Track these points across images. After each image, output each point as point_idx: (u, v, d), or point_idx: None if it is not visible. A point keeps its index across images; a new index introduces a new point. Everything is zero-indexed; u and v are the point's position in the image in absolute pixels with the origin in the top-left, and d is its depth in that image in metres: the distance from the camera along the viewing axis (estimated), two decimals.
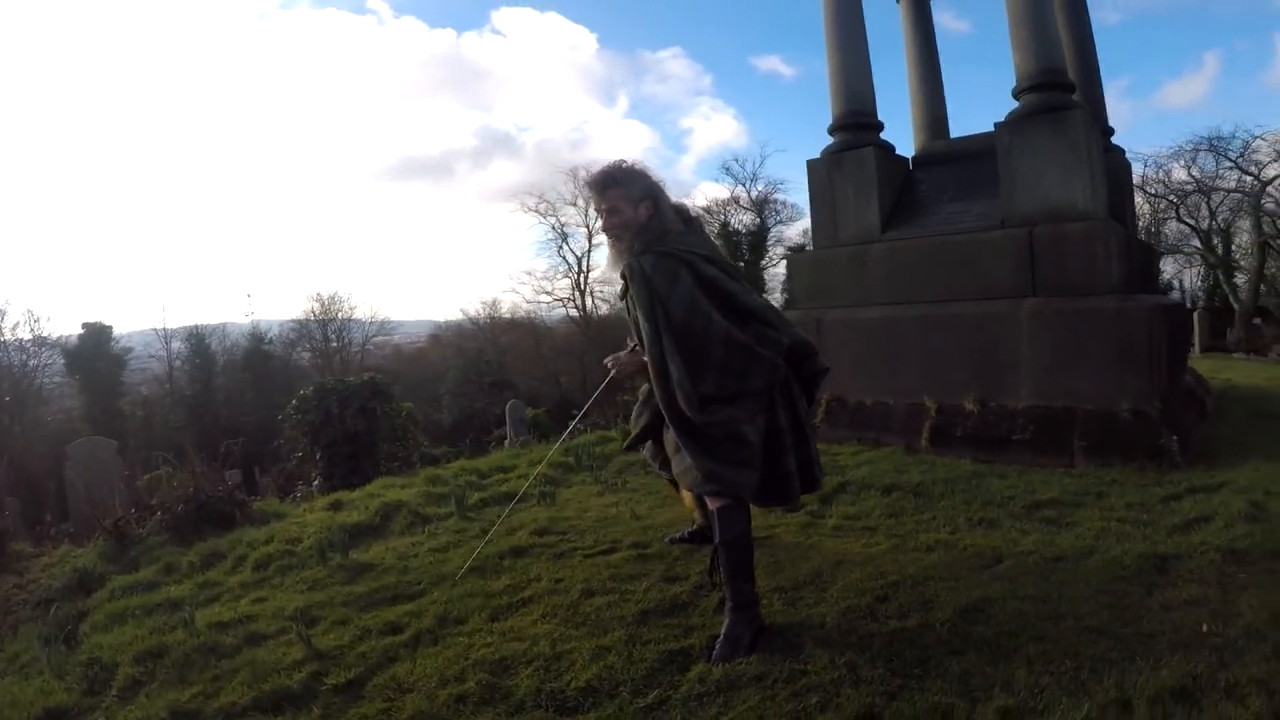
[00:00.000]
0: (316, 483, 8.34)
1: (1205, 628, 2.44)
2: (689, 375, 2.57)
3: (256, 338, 32.55)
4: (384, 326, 39.65)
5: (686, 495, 3.42)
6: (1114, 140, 8.11)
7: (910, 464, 5.47)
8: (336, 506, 5.40)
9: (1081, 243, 5.68)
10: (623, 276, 2.79)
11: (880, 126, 7.37)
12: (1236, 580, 2.82)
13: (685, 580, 3.25)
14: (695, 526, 3.76)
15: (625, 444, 3.47)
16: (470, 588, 3.45)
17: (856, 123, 7.21)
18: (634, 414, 3.25)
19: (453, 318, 41.48)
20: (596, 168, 2.96)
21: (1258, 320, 23.57)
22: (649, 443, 3.20)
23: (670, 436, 2.75)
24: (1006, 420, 5.69)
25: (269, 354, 32.78)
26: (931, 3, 9.00)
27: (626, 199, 2.80)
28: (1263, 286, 25.42)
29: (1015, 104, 6.18)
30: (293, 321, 37.00)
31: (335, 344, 37.45)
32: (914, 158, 8.07)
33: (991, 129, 6.28)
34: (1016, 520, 3.92)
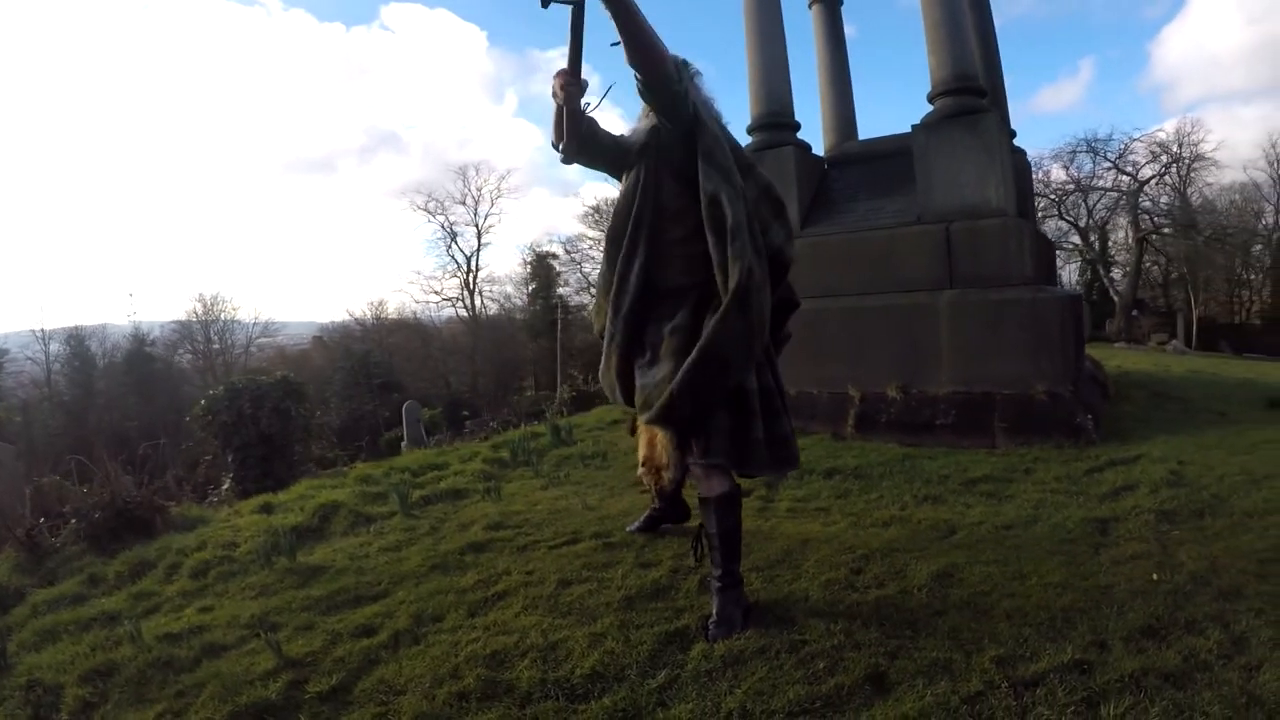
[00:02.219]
0: (226, 486, 7.92)
1: (1155, 576, 2.67)
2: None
3: (138, 339, 30.77)
4: (268, 328, 38.75)
5: (662, 451, 2.81)
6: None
7: (841, 449, 5.67)
8: (268, 509, 5.15)
9: (996, 238, 6.05)
10: (681, 120, 2.56)
11: (798, 126, 7.61)
12: (1171, 536, 3.09)
13: (659, 565, 3.27)
14: (651, 512, 3.79)
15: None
16: (437, 585, 3.36)
17: (776, 122, 7.42)
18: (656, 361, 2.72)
19: (338, 319, 40.86)
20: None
21: (1135, 312, 25.61)
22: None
23: (663, 377, 2.57)
24: (929, 406, 5.98)
25: (151, 356, 31.01)
26: (842, 9, 9.38)
27: None
28: (1140, 279, 27.72)
29: (920, 106, 6.54)
30: (174, 322, 35.51)
31: (218, 346, 36.32)
32: (829, 157, 8.37)
33: (897, 131, 6.62)
34: (959, 495, 4.15)
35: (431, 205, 36.53)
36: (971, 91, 6.24)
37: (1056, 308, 5.71)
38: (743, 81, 7.62)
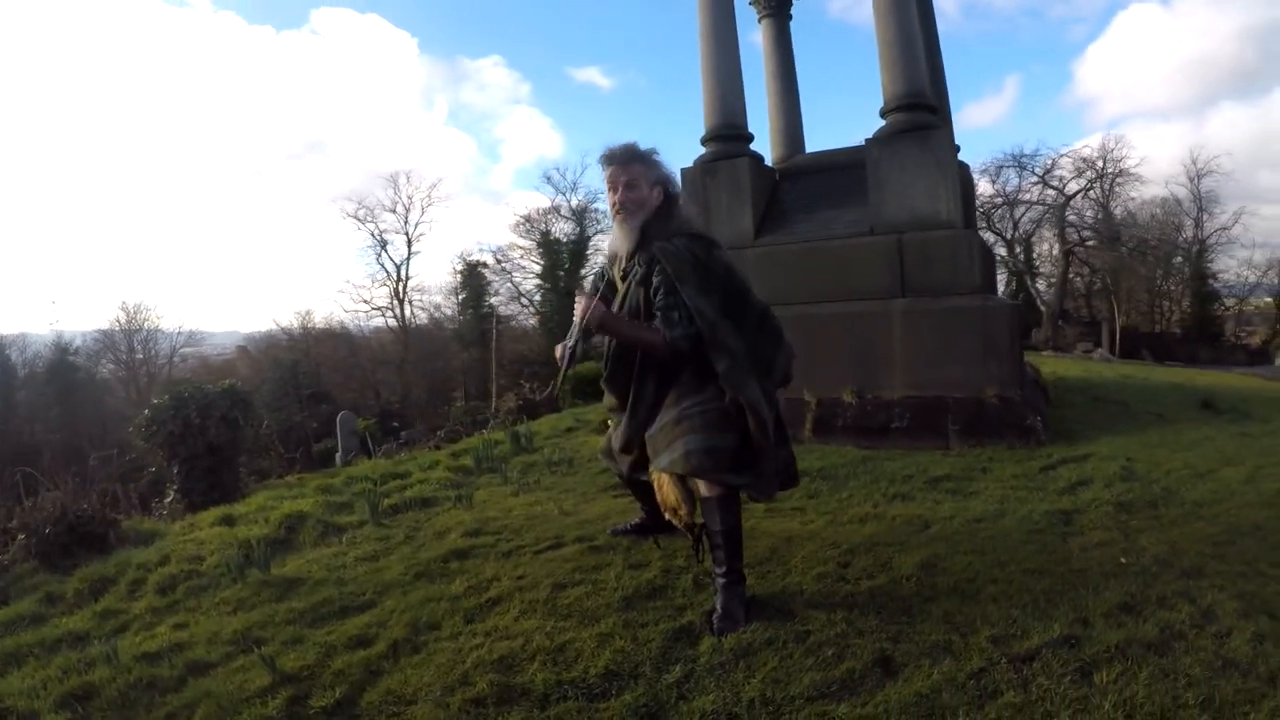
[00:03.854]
0: (170, 499, 7.64)
1: (1123, 560, 2.88)
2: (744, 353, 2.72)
3: (61, 348, 29.52)
4: (192, 337, 38.03)
5: (669, 492, 3.00)
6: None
7: (802, 453, 5.76)
8: (229, 521, 5.01)
9: (947, 249, 6.32)
10: (647, 262, 2.80)
11: (751, 138, 7.80)
12: (1131, 525, 3.32)
13: (650, 566, 3.32)
14: (639, 520, 3.83)
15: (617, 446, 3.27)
16: (426, 593, 3.34)
17: (730, 134, 7.59)
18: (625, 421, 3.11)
19: (263, 328, 39.91)
20: (616, 145, 2.92)
21: (1061, 321, 26.86)
22: (617, 449, 3.23)
23: (669, 422, 2.82)
24: (884, 410, 6.19)
25: (75, 366, 29.71)
26: (791, 24, 9.69)
27: (645, 178, 2.83)
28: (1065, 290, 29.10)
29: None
30: (97, 331, 34.29)
31: (141, 356, 35.45)
32: (780, 169, 8.60)
33: (846, 144, 6.86)
34: (925, 493, 4.33)
35: (361, 213, 36.07)
36: (924, 108, 6.53)
37: (1005, 315, 6.01)
38: (696, 92, 7.80)
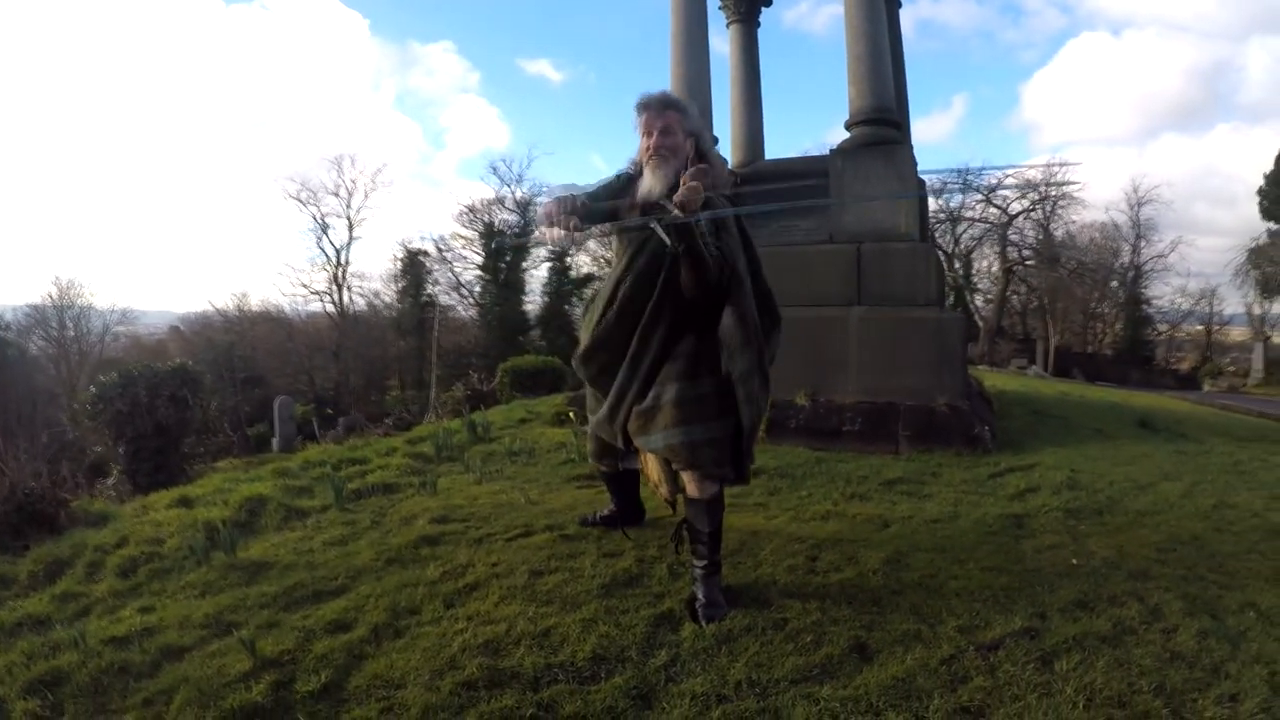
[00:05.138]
0: (113, 480, 7.40)
1: (1074, 561, 3.07)
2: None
3: None
4: (125, 316, 37.07)
5: (653, 470, 3.09)
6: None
7: (757, 452, 5.98)
8: (186, 503, 4.89)
9: (905, 260, 6.55)
10: (696, 206, 2.52)
11: (716, 141, 7.94)
12: (1079, 530, 3.54)
13: (624, 555, 3.39)
14: (608, 511, 3.85)
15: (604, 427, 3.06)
16: (401, 578, 3.34)
17: None
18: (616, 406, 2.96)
19: (198, 309, 39.09)
20: (653, 91, 2.88)
21: (997, 337, 27.88)
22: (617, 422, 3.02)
23: (670, 402, 2.79)
24: (837, 413, 6.37)
25: (5, 341, 28.29)
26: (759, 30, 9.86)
27: (680, 126, 2.80)
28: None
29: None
30: (28, 306, 32.82)
31: (72, 333, 34.20)
32: (741, 174, 8.74)
33: (792, 152, 7.04)
34: (882, 494, 4.49)
35: (304, 194, 35.50)
36: (888, 123, 6.76)
37: (958, 327, 6.26)
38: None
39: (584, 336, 3.08)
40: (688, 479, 2.83)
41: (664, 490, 3.02)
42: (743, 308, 2.75)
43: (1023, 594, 2.75)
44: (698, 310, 2.78)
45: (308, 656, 2.66)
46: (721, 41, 9.11)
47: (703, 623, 2.59)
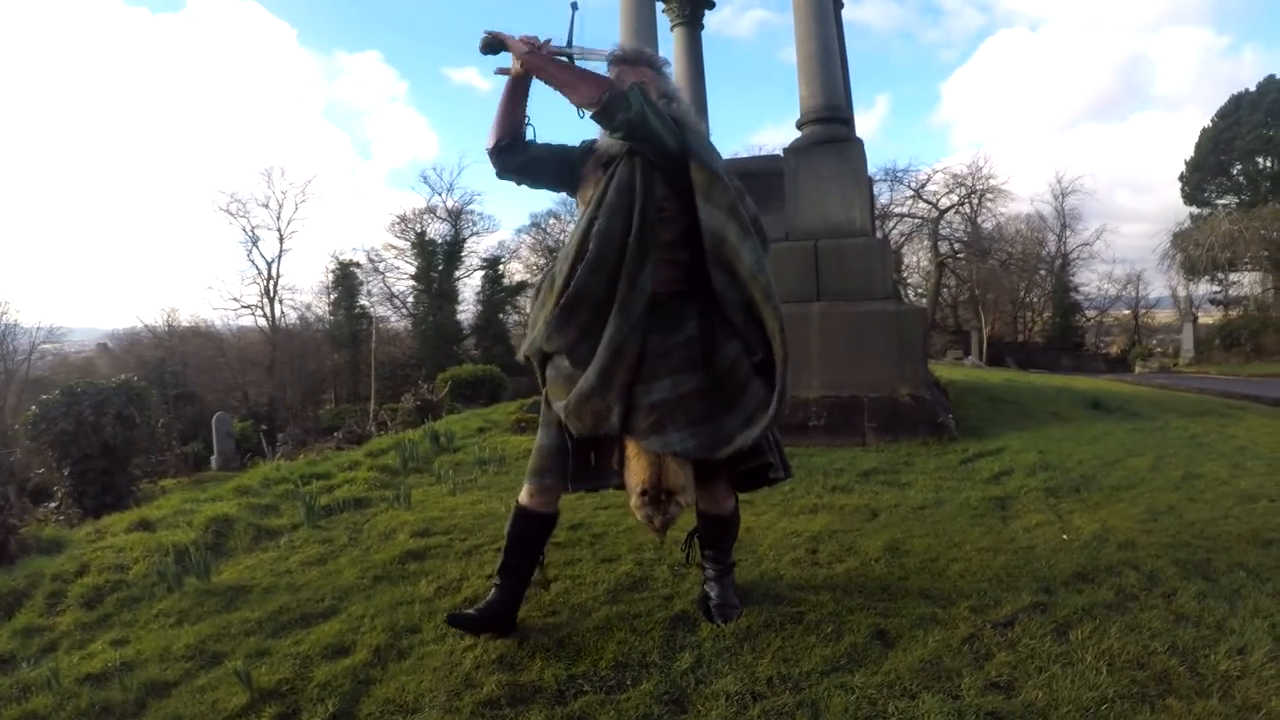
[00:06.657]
0: (55, 504, 7.00)
1: (1065, 537, 3.17)
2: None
3: None
4: (52, 333, 35.65)
5: (676, 474, 2.40)
6: None
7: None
8: (147, 526, 4.65)
9: (860, 255, 6.69)
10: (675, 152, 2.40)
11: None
12: (1061, 508, 3.66)
13: (621, 559, 3.35)
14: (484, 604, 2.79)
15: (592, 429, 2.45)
16: (393, 596, 3.23)
17: None
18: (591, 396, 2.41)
19: (126, 325, 38.34)
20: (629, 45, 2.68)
21: (932, 331, 28.69)
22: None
23: (691, 392, 2.43)
24: (802, 409, 6.45)
25: None
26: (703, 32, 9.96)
27: (655, 85, 2.56)
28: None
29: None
30: None
31: None
32: None
33: (758, 153, 7.14)
34: (862, 485, 4.57)
35: (234, 206, 34.89)
36: (840, 121, 6.90)
37: (917, 319, 6.41)
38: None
39: (541, 316, 2.56)
40: (712, 491, 2.57)
41: (687, 499, 2.42)
42: (709, 188, 2.45)
43: (1024, 571, 2.82)
44: (683, 241, 2.51)
45: (309, 685, 2.54)
46: (665, 46, 9.11)
47: (719, 623, 2.57)
